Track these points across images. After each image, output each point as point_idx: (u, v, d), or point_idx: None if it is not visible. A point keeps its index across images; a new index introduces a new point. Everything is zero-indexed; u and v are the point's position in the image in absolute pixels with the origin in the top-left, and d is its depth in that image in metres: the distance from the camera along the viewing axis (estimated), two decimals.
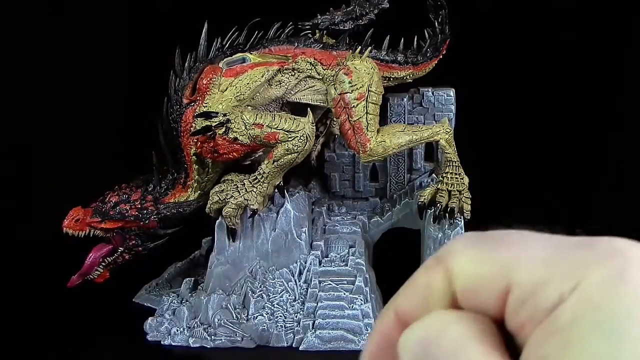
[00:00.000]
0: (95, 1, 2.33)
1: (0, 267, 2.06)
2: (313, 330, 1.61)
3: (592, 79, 2.31)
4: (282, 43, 1.67)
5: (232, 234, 1.66)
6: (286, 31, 1.68)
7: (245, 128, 1.58)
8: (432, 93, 1.83)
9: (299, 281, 1.65)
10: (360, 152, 1.62)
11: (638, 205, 2.29)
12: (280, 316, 1.63)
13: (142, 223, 1.69)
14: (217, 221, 1.66)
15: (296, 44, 1.67)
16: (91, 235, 1.68)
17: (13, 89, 2.33)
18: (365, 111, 1.60)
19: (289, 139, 1.57)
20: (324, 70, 1.64)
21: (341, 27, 1.70)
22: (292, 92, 1.66)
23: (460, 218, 1.61)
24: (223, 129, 1.57)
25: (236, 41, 1.65)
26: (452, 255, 0.38)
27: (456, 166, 1.64)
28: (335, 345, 1.60)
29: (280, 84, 1.64)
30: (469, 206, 1.62)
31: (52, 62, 2.32)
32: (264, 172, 1.61)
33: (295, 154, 1.59)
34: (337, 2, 1.73)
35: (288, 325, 1.62)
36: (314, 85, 1.66)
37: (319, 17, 1.70)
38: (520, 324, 0.35)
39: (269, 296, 1.64)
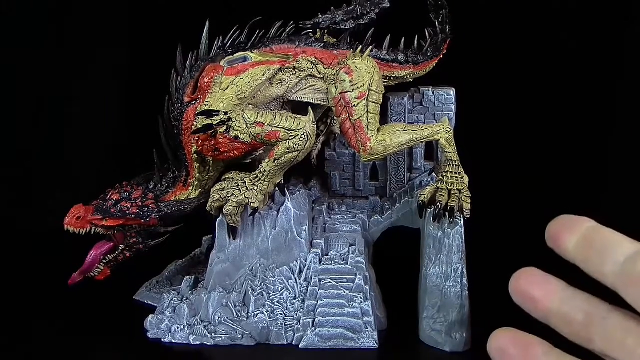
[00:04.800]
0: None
1: (1, 265, 2.07)
2: (313, 328, 1.61)
3: (591, 78, 2.32)
4: (284, 42, 1.67)
5: (232, 232, 1.66)
6: (287, 30, 1.68)
7: (247, 126, 1.58)
8: (433, 92, 1.84)
9: (299, 279, 1.66)
10: (361, 150, 1.62)
11: (638, 204, 2.29)
12: (281, 314, 1.63)
13: (143, 221, 1.69)
14: (218, 219, 1.67)
15: (297, 43, 1.67)
16: (92, 233, 1.69)
17: (15, 86, 2.33)
18: (366, 110, 1.60)
19: (290, 138, 1.58)
20: (325, 69, 1.65)
21: (342, 27, 1.70)
22: (293, 90, 1.67)
23: (460, 217, 1.62)
24: (224, 127, 1.58)
25: (237, 40, 1.66)
26: None
27: (456, 165, 1.65)
28: (335, 343, 1.61)
29: (281, 82, 1.65)
30: (469, 205, 1.63)
31: (53, 61, 2.32)
32: (264, 171, 1.62)
33: (296, 153, 1.59)
34: (338, 1, 1.73)
35: (288, 323, 1.63)
36: (315, 84, 1.66)
37: (320, 16, 1.70)
38: None
39: (269, 294, 1.65)
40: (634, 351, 0.52)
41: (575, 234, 0.57)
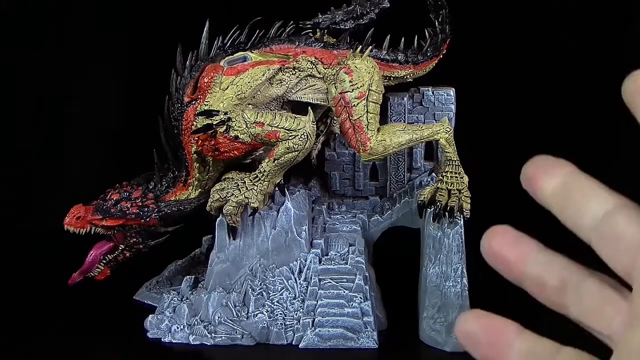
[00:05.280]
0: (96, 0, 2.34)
1: (1, 265, 2.07)
2: (313, 328, 1.61)
3: (592, 78, 2.32)
4: (283, 42, 1.67)
5: (232, 232, 1.66)
6: (287, 30, 1.68)
7: (246, 126, 1.58)
8: (432, 92, 1.84)
9: (299, 279, 1.66)
10: (361, 150, 1.62)
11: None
12: (280, 314, 1.63)
13: (143, 221, 1.69)
14: (218, 219, 1.67)
15: (297, 43, 1.67)
16: (92, 233, 1.69)
17: (15, 86, 2.33)
18: (366, 110, 1.60)
19: (290, 138, 1.58)
20: (325, 69, 1.65)
21: (342, 27, 1.70)
22: (292, 90, 1.67)
23: (460, 217, 1.62)
24: (224, 127, 1.58)
25: (237, 40, 1.66)
26: None
27: (456, 165, 1.65)
28: (335, 343, 1.61)
29: (281, 82, 1.65)
30: (469, 205, 1.63)
31: (53, 61, 2.32)
32: (264, 171, 1.62)
33: (296, 153, 1.59)
34: (338, 1, 1.73)
35: (288, 323, 1.63)
36: (314, 84, 1.66)
37: (320, 16, 1.70)
38: None
39: (269, 294, 1.65)
40: (612, 320, 0.48)
41: (553, 179, 0.52)
